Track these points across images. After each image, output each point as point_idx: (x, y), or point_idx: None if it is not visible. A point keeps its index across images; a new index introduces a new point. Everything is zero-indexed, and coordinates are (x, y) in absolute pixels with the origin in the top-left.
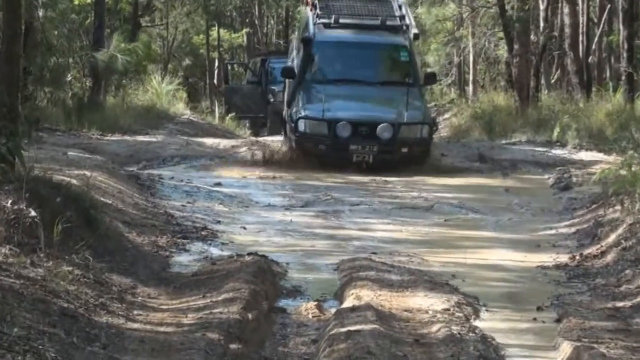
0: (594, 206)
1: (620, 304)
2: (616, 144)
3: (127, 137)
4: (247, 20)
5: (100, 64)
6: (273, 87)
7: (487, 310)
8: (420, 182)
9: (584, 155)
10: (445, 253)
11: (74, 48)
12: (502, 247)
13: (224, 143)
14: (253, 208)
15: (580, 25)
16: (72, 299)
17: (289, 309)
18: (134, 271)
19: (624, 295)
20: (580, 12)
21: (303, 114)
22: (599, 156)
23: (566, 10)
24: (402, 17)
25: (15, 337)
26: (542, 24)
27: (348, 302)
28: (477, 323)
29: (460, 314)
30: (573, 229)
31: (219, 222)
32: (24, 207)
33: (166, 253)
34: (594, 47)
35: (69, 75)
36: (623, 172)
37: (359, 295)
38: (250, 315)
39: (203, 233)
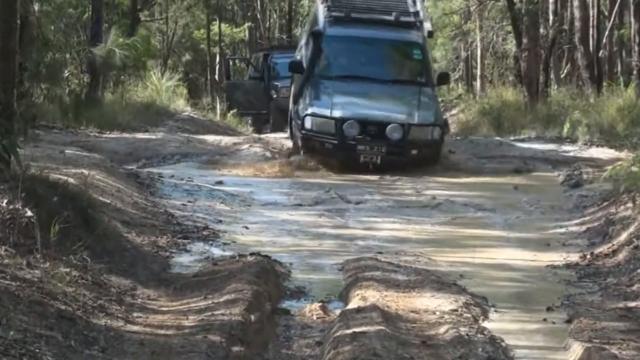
0: (605, 204)
1: (632, 304)
2: (628, 140)
3: (126, 135)
4: (249, 14)
5: (98, 59)
6: (276, 83)
7: (495, 311)
8: (426, 179)
9: (595, 152)
10: (452, 252)
11: (71, 43)
12: (511, 246)
13: (225, 140)
14: (255, 207)
15: (591, 19)
16: (69, 301)
17: (293, 310)
18: (133, 272)
19: (636, 294)
20: (591, 4)
21: (310, 110)
22: (610, 152)
23: (576, 3)
24: (417, 14)
25: (12, 340)
26: (551, 17)
27: (353, 303)
28: (485, 324)
29: (469, 315)
30: (584, 227)
31: (220, 221)
32: (20, 207)
33: (166, 253)
34: (604, 40)
35: (66, 71)
36: (635, 168)
37: (364, 296)
38: (252, 317)
39: (204, 233)
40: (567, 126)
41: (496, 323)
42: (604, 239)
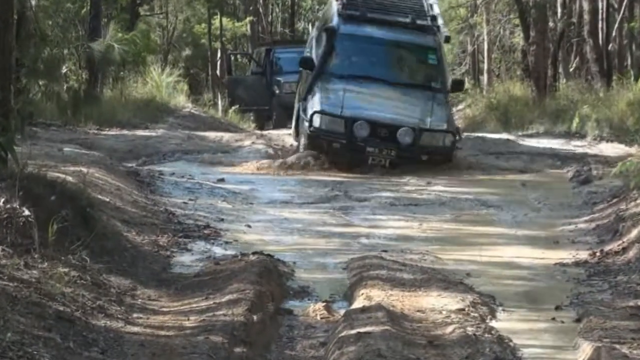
0: (614, 200)
1: None
2: (638, 135)
3: (125, 132)
4: (251, 8)
5: (97, 54)
6: (278, 78)
7: (503, 310)
8: (432, 176)
9: (604, 147)
10: (459, 250)
11: (69, 38)
12: (518, 244)
13: (227, 137)
14: (258, 205)
15: (600, 11)
16: (68, 302)
17: (296, 310)
18: (133, 272)
19: None
20: None
21: (319, 108)
22: (620, 148)
23: None
24: (434, 18)
25: (9, 342)
26: (559, 10)
27: (358, 303)
28: (493, 323)
29: (476, 314)
30: (593, 224)
31: (222, 220)
32: (17, 206)
33: (167, 253)
34: (614, 33)
35: (64, 67)
36: None
37: (369, 295)
38: (255, 317)
39: (206, 232)
40: (576, 121)
41: (504, 322)
42: (613, 236)
